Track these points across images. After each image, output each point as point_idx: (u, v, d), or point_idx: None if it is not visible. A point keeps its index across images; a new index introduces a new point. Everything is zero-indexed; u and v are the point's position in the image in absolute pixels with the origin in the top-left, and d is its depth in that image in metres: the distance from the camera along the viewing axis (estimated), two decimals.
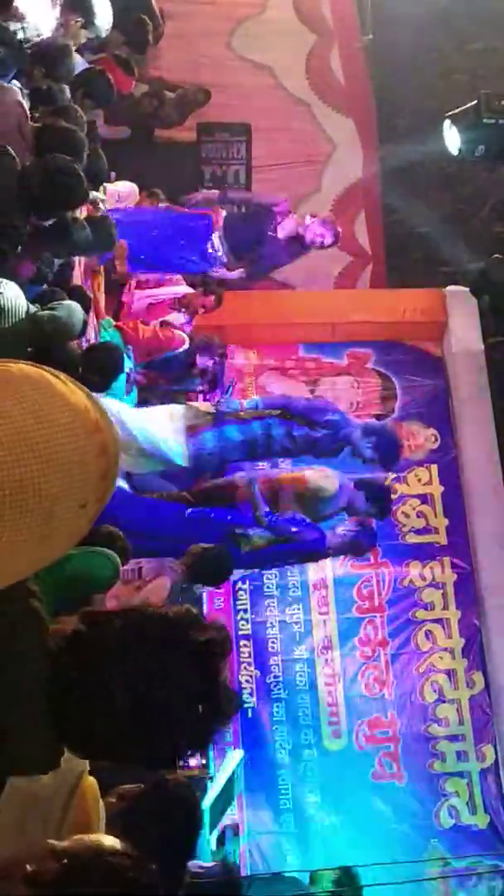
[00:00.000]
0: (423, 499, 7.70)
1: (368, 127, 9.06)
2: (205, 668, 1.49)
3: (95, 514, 1.33)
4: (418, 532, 7.61)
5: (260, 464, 7.19)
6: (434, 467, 7.76)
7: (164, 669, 1.46)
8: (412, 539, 7.58)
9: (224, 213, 6.16)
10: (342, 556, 5.94)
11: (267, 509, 5.23)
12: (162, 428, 5.53)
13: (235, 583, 6.94)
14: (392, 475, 7.25)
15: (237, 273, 6.44)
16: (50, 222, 4.29)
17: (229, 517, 5.20)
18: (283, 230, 6.15)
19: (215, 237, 6.10)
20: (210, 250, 6.15)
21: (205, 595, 6.68)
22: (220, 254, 6.21)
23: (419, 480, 7.74)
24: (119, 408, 5.29)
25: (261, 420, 5.49)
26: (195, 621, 1.52)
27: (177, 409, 5.86)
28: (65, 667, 1.45)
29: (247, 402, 5.54)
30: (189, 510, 5.17)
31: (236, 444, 5.54)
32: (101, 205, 5.73)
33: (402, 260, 8.93)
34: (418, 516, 7.65)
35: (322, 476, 5.58)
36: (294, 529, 5.26)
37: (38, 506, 1.22)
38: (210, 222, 6.11)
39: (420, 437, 7.83)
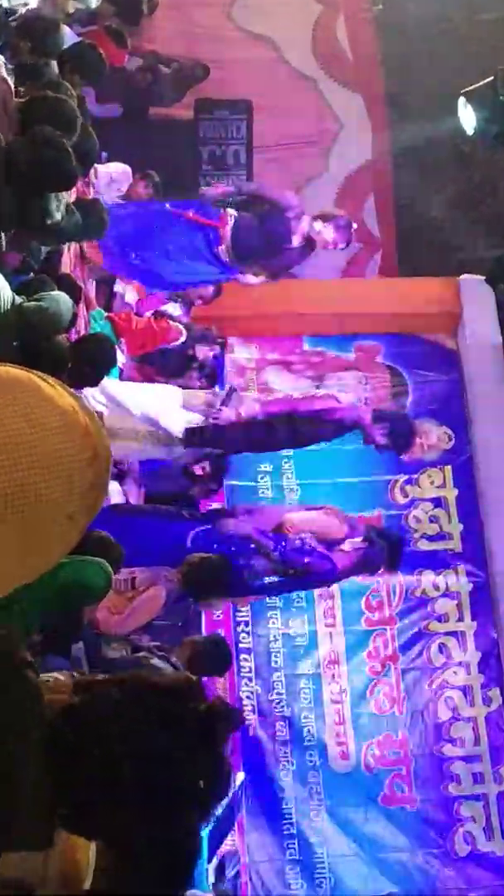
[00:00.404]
0: (437, 502, 7.69)
1: (378, 104, 9.05)
2: (206, 741, 1.51)
3: (85, 525, 1.33)
4: (431, 538, 7.60)
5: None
6: (448, 469, 7.74)
7: (163, 743, 1.47)
8: (424, 546, 7.57)
9: (233, 219, 6.08)
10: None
11: (273, 544, 5.22)
12: (155, 397, 5.58)
13: None
14: (406, 482, 7.24)
15: (260, 280, 6.40)
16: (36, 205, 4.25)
17: (233, 548, 5.20)
18: (298, 238, 6.12)
19: (221, 250, 6.06)
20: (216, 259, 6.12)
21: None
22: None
23: (432, 483, 7.73)
24: (107, 381, 5.32)
25: (264, 423, 5.51)
26: (195, 689, 1.54)
27: (172, 388, 5.90)
28: (60, 743, 1.46)
29: (245, 413, 5.54)
30: (192, 534, 5.19)
31: (236, 437, 5.56)
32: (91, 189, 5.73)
33: (414, 247, 8.92)
34: (431, 521, 7.64)
35: (330, 520, 5.60)
36: (306, 560, 5.28)
37: (34, 512, 1.23)
38: (217, 235, 6.05)
39: (433, 437, 7.74)
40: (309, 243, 6.16)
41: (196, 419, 5.58)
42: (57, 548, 1.34)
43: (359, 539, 5.64)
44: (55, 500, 1.26)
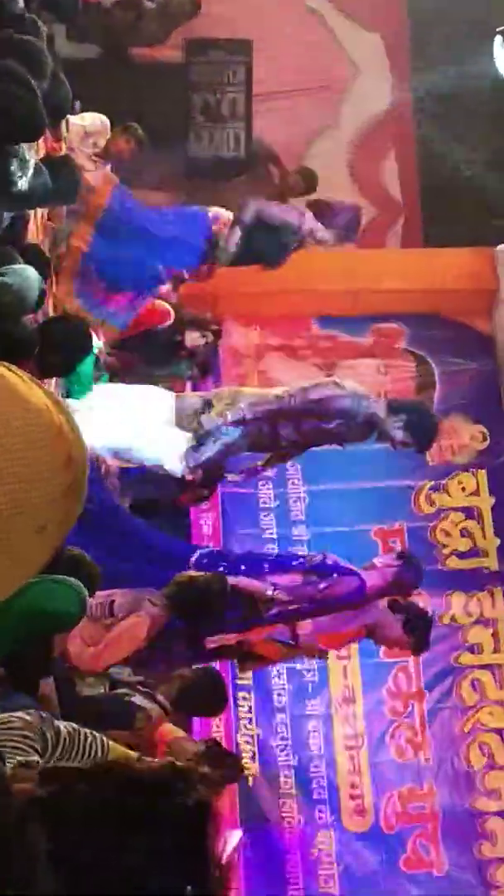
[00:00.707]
0: (469, 513, 7.69)
1: (399, 44, 9.06)
2: (193, 839, 1.52)
3: (58, 541, 1.33)
4: (462, 555, 7.61)
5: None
6: (482, 473, 7.75)
7: (142, 847, 1.47)
8: (454, 564, 7.58)
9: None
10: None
11: (271, 592, 5.25)
12: (140, 426, 5.51)
13: None
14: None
15: None
16: None
17: (243, 567, 5.25)
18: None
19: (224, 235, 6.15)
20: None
21: None
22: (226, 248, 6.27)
23: (463, 490, 7.74)
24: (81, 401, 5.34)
25: (262, 421, 5.52)
26: (181, 780, 1.54)
27: (162, 395, 5.86)
28: (23, 846, 1.45)
29: (230, 414, 5.56)
30: (196, 555, 5.23)
31: (237, 442, 5.57)
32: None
33: (442, 212, 8.92)
34: (462, 535, 7.65)
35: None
36: (323, 585, 5.28)
37: None
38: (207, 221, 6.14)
39: (464, 435, 7.84)
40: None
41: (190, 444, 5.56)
42: (24, 564, 1.33)
43: (392, 556, 5.67)
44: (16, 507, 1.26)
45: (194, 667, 5.35)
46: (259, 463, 5.88)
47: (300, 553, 5.55)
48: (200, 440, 5.41)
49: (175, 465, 5.45)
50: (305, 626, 5.45)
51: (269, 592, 5.21)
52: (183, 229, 6.26)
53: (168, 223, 6.30)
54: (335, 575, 5.33)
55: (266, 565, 5.34)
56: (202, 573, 5.01)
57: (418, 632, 5.63)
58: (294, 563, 5.42)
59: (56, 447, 1.30)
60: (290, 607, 5.32)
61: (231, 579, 5.17)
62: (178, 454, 5.43)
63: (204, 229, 6.26)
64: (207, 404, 5.47)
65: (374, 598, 5.57)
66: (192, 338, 6.87)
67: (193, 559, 5.27)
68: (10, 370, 1.31)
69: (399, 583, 5.55)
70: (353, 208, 6.46)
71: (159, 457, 5.48)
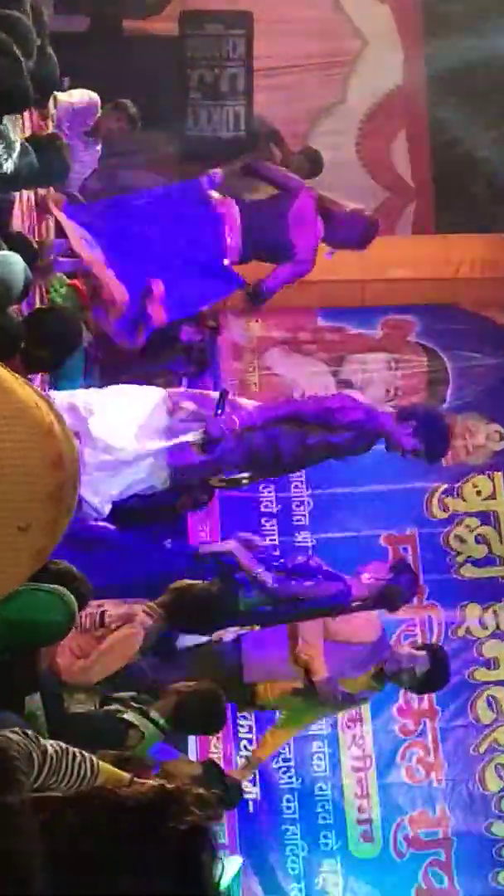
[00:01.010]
0: (485, 518, 7.70)
1: (410, 15, 9.06)
2: (187, 868, 1.52)
3: (42, 548, 1.33)
4: (477, 563, 7.61)
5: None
6: (498, 476, 7.76)
7: (134, 876, 1.48)
8: (469, 573, 7.58)
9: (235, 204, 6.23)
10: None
11: (264, 570, 5.35)
12: (125, 434, 5.49)
13: None
14: None
15: None
16: None
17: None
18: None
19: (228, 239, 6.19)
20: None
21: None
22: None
23: (479, 493, 7.74)
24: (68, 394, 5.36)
25: (264, 432, 5.54)
26: (172, 803, 1.55)
27: (153, 396, 5.85)
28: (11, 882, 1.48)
29: (239, 419, 5.59)
30: (170, 543, 5.29)
31: (233, 457, 5.58)
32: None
33: (456, 195, 8.93)
34: (478, 542, 7.65)
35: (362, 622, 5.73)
36: (308, 584, 5.41)
37: None
38: (220, 217, 6.17)
39: (480, 435, 7.84)
40: None
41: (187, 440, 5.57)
42: (4, 567, 1.34)
43: (385, 568, 5.72)
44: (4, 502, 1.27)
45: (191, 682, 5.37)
46: (243, 476, 5.90)
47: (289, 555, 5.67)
48: (208, 449, 5.44)
49: (155, 475, 5.48)
50: (320, 673, 5.54)
51: (257, 570, 5.31)
52: (212, 281, 6.31)
53: (201, 291, 6.36)
54: (319, 577, 5.41)
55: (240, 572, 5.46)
56: (199, 582, 5.03)
57: (434, 662, 5.71)
58: (276, 562, 5.53)
59: (46, 446, 1.30)
60: (278, 605, 5.39)
61: (227, 544, 5.28)
62: (161, 463, 5.44)
63: (236, 279, 6.33)
64: (215, 405, 5.49)
65: (359, 608, 5.65)
66: (188, 333, 6.88)
67: (168, 543, 5.35)
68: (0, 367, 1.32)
69: (385, 595, 5.62)
70: (363, 218, 6.45)
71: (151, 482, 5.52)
